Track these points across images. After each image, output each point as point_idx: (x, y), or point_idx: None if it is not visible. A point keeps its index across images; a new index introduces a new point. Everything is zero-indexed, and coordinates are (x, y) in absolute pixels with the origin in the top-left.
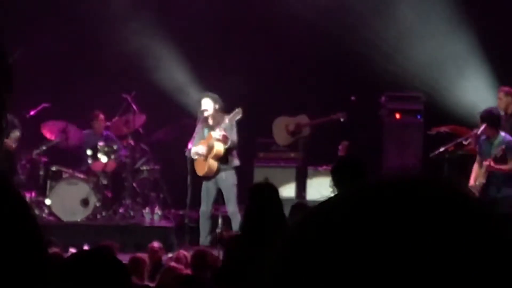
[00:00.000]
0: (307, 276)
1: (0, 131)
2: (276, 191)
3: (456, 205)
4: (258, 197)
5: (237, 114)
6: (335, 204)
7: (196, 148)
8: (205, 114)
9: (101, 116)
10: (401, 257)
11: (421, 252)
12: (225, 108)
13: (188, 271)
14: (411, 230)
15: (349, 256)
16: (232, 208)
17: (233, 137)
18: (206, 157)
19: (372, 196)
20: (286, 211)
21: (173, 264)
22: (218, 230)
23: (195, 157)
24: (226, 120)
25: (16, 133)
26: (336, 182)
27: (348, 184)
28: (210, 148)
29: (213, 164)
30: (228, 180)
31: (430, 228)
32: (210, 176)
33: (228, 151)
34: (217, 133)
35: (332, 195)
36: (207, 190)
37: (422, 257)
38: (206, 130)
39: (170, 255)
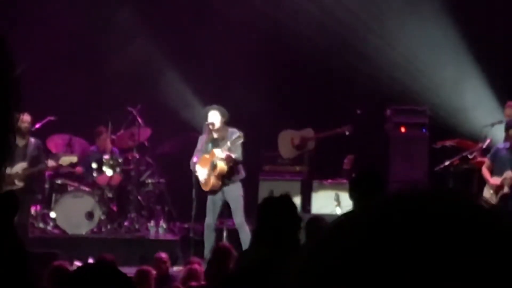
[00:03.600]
0: None
1: (6, 153)
2: (291, 203)
3: (483, 219)
4: (270, 210)
5: (239, 138)
6: (357, 220)
7: (199, 170)
8: (211, 127)
9: (104, 134)
10: (427, 272)
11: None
12: (231, 122)
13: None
14: (436, 245)
15: (374, 274)
16: (239, 219)
17: (238, 155)
18: (210, 174)
19: (395, 210)
20: None
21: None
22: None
23: (197, 173)
24: (228, 142)
25: (74, 158)
26: (355, 196)
27: (365, 197)
28: (213, 167)
29: (217, 182)
30: (234, 192)
31: (454, 243)
32: (215, 191)
33: (232, 168)
34: (221, 153)
35: (337, 208)
36: (213, 203)
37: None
38: (210, 145)
39: (175, 268)
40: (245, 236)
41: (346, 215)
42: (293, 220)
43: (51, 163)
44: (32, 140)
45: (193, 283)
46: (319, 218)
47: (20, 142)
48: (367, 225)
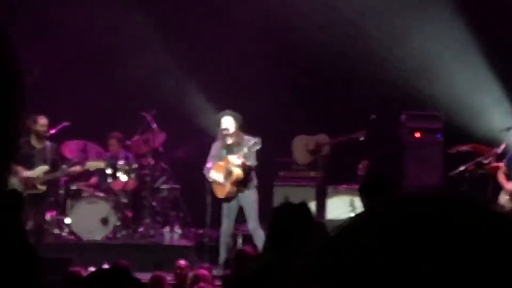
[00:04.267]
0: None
1: (12, 153)
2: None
3: (492, 221)
4: (287, 217)
5: (256, 145)
6: (362, 222)
7: (214, 175)
8: (226, 133)
9: (114, 139)
10: (428, 273)
11: (452, 268)
12: (246, 128)
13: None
14: (440, 247)
15: (376, 274)
16: (253, 223)
17: (252, 162)
18: (225, 181)
19: (399, 211)
20: None
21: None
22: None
23: (211, 180)
24: (245, 149)
25: (101, 163)
26: (363, 200)
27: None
28: (229, 173)
29: (232, 188)
30: (249, 197)
31: (458, 244)
32: (230, 198)
33: (247, 175)
34: (235, 159)
35: (352, 213)
36: (229, 209)
37: (453, 274)
38: (224, 151)
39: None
40: (260, 240)
41: (352, 217)
42: (308, 227)
43: (75, 168)
44: (48, 143)
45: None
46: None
47: (38, 145)
48: (372, 227)
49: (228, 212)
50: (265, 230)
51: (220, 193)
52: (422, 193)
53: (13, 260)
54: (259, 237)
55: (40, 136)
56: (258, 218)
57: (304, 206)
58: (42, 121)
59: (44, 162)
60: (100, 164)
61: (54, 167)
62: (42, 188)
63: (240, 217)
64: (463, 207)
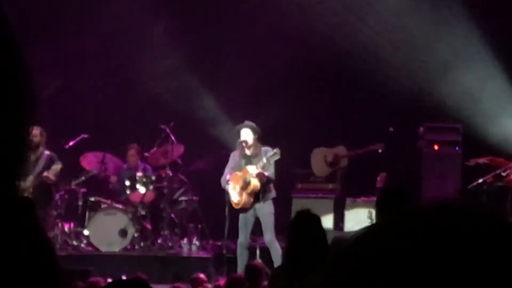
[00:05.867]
0: None
1: (22, 167)
2: (318, 220)
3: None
4: (300, 227)
5: (276, 155)
6: (377, 232)
7: (231, 187)
8: (244, 145)
9: (132, 150)
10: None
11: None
12: (264, 140)
13: None
14: (463, 259)
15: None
16: (270, 236)
17: (271, 173)
18: (241, 191)
19: (415, 223)
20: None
21: None
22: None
23: (228, 190)
24: (264, 159)
25: (58, 166)
26: (379, 212)
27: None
28: (247, 184)
29: (249, 199)
30: (266, 209)
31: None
32: (246, 208)
33: (264, 185)
34: (254, 170)
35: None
36: (245, 220)
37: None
38: (243, 162)
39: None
40: (276, 253)
41: (368, 227)
42: (317, 231)
43: (47, 173)
44: (46, 153)
45: None
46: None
47: (31, 155)
48: (385, 237)
49: (244, 224)
50: (283, 243)
51: (236, 204)
52: (437, 205)
53: (34, 265)
54: (275, 250)
55: (32, 147)
56: (274, 231)
57: (308, 213)
58: (34, 131)
59: (32, 172)
60: (58, 168)
61: (40, 175)
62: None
63: (258, 229)
64: (480, 220)
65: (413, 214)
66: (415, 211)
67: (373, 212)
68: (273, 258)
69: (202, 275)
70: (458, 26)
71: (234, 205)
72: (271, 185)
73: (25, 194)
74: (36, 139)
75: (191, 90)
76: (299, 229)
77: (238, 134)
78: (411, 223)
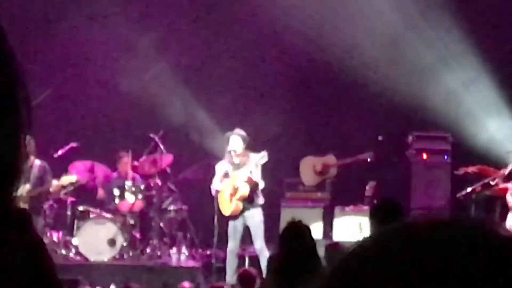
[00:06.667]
0: None
1: (18, 176)
2: (307, 230)
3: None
4: (290, 238)
5: (263, 158)
6: (368, 248)
7: (220, 194)
8: (233, 153)
9: (125, 158)
10: None
11: None
12: (253, 148)
13: None
14: (457, 275)
15: None
16: (260, 244)
17: (258, 178)
18: (231, 198)
19: (405, 238)
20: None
21: None
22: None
23: (217, 197)
24: (252, 162)
25: (73, 177)
26: (372, 224)
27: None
28: (235, 190)
29: (239, 204)
30: (255, 217)
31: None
32: (236, 215)
33: (253, 191)
34: (243, 175)
35: (359, 235)
36: (235, 228)
37: None
38: (232, 169)
39: None
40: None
41: (359, 243)
42: (307, 241)
43: (54, 183)
44: (37, 162)
45: None
46: (338, 245)
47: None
48: (377, 254)
49: (233, 232)
50: (271, 251)
51: (227, 210)
52: (432, 220)
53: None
54: (266, 258)
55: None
56: (264, 238)
57: (306, 227)
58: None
59: (27, 180)
60: (73, 179)
61: (36, 185)
62: (24, 206)
63: (247, 237)
64: (473, 235)
65: (409, 228)
66: (411, 226)
67: (362, 221)
68: (263, 266)
69: (187, 285)
70: (451, 37)
71: (223, 212)
72: (259, 191)
73: (20, 203)
74: (28, 148)
75: (181, 98)
76: (290, 239)
77: (227, 142)
78: (408, 238)
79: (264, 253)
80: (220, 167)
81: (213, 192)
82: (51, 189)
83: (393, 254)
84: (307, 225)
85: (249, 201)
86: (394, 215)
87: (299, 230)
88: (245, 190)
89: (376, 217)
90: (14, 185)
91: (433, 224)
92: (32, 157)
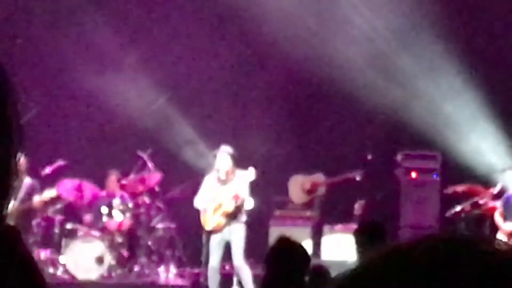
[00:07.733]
0: None
1: (8, 195)
2: (300, 247)
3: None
4: (279, 255)
5: (251, 175)
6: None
7: (205, 209)
8: (221, 170)
9: (113, 177)
10: None
11: None
12: (241, 166)
13: None
14: None
15: None
16: (239, 261)
17: (246, 195)
18: (214, 212)
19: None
20: None
21: None
22: None
23: (201, 211)
24: (239, 179)
25: (52, 192)
26: (357, 246)
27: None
28: (220, 205)
29: (221, 220)
30: (238, 233)
31: None
32: (218, 230)
33: (238, 208)
34: (229, 191)
35: (348, 253)
36: (217, 244)
37: None
38: (218, 185)
39: None
40: (246, 276)
41: (350, 270)
42: (302, 268)
43: (36, 199)
44: (27, 181)
45: None
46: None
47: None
48: (369, 281)
49: (214, 247)
50: (262, 270)
51: (209, 225)
52: (421, 241)
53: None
54: (246, 274)
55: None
56: (244, 255)
57: (301, 247)
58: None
59: (15, 198)
60: (52, 193)
61: (22, 202)
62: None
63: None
64: (475, 252)
65: (400, 253)
66: (402, 250)
67: (351, 240)
68: (243, 282)
69: None
70: (439, 57)
71: (205, 227)
72: (243, 208)
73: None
74: (22, 166)
75: (169, 116)
76: (280, 257)
77: (215, 159)
78: (400, 262)
79: (243, 268)
80: (207, 183)
81: (196, 205)
82: (33, 205)
83: (385, 283)
84: (299, 242)
85: (232, 217)
86: (377, 238)
87: (290, 247)
88: (229, 207)
89: (359, 241)
90: (5, 204)
91: (421, 248)
92: (23, 176)
